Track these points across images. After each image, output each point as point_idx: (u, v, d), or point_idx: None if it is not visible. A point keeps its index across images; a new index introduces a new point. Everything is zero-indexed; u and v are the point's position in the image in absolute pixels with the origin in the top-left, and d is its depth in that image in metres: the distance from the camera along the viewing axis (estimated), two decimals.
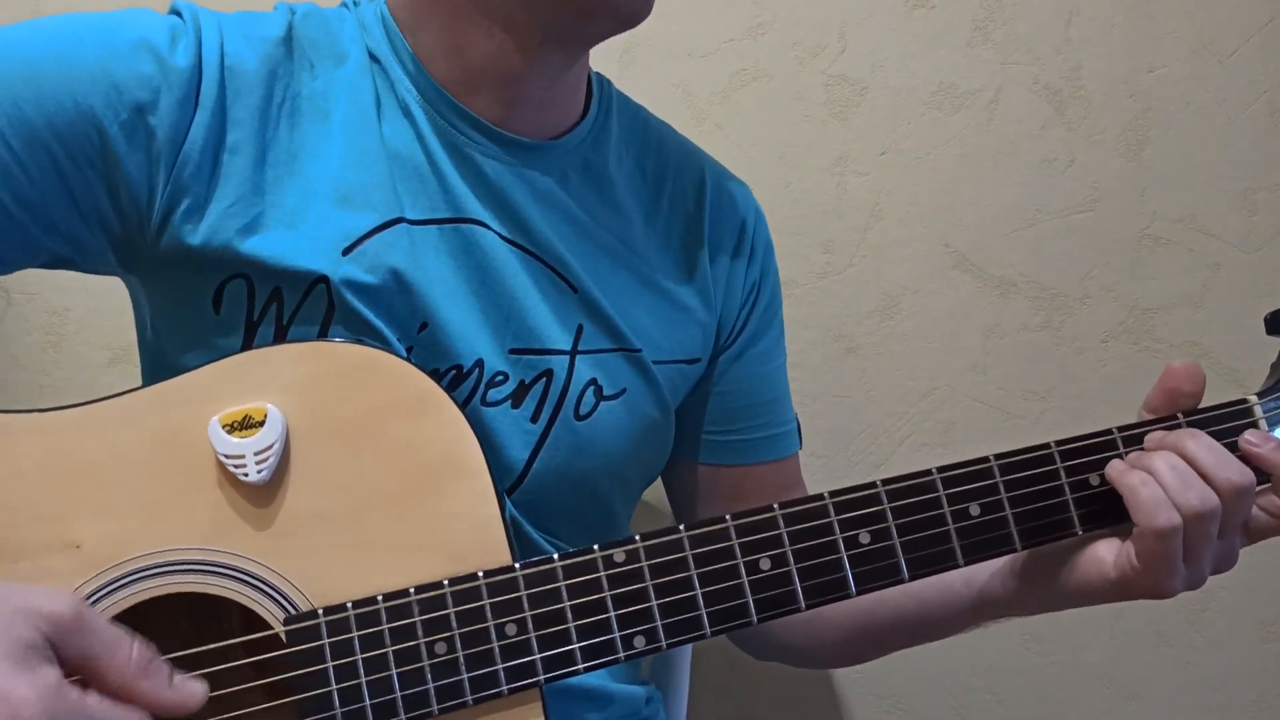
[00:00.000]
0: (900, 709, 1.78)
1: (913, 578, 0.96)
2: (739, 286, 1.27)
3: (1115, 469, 0.98)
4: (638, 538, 0.94)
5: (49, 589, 0.80)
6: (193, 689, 0.84)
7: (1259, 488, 0.97)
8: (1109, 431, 1.00)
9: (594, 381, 1.13)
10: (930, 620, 1.16)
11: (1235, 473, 0.95)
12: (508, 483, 1.10)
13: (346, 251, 1.02)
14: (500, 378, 1.09)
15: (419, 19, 1.09)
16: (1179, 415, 1.00)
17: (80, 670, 0.79)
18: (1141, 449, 0.99)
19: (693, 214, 1.24)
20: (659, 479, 1.35)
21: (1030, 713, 1.77)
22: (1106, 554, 0.99)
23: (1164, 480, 0.94)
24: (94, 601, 0.89)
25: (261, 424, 0.91)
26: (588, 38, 1.10)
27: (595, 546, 0.93)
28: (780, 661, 1.35)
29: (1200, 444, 0.96)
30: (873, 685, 1.78)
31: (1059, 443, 0.99)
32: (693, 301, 1.22)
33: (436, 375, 1.06)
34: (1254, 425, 1.01)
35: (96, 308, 1.68)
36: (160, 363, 1.09)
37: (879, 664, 1.32)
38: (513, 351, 1.10)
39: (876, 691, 1.78)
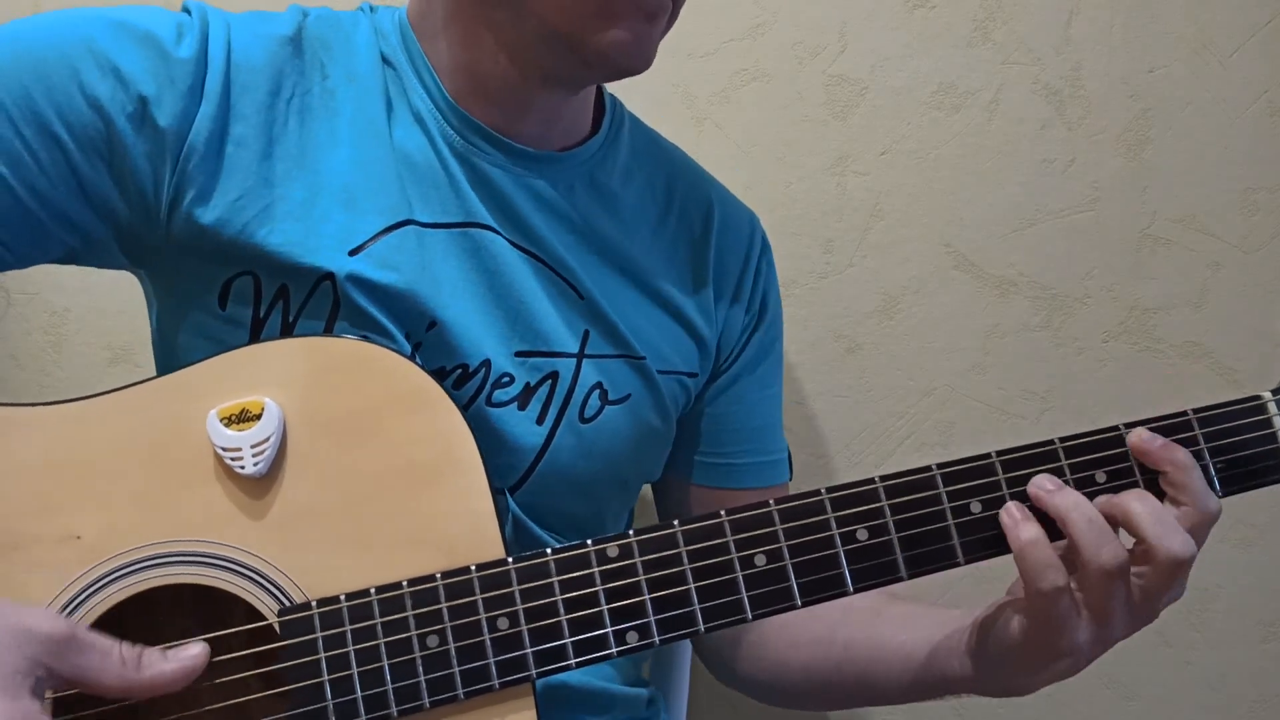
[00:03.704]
0: (900, 709, 1.78)
1: (911, 576, 0.95)
2: (740, 312, 1.28)
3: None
4: (631, 533, 0.93)
5: (41, 610, 0.83)
6: (188, 654, 0.87)
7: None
8: (1116, 428, 0.98)
9: (599, 385, 1.14)
10: (890, 688, 1.14)
11: (1176, 543, 0.91)
12: (511, 482, 1.11)
13: (353, 253, 1.03)
14: (506, 379, 1.09)
15: (435, 30, 1.11)
16: (1188, 411, 0.98)
17: (80, 683, 0.82)
18: (1147, 442, 0.96)
19: (699, 237, 1.25)
20: (653, 498, 1.36)
21: (1030, 713, 1.77)
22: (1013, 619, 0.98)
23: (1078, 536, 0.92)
24: (93, 592, 0.90)
25: (258, 417, 0.92)
26: (586, 82, 1.12)
27: (589, 541, 0.93)
28: (750, 696, 1.33)
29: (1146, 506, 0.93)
30: None
31: (1063, 439, 0.97)
32: (695, 318, 1.22)
33: (442, 374, 1.07)
34: (1267, 423, 0.99)
35: (96, 308, 1.68)
36: (170, 357, 1.10)
37: None
38: (519, 354, 1.10)
39: None
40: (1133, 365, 1.71)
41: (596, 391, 1.14)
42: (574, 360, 1.12)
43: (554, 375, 1.11)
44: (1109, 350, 1.71)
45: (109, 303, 1.67)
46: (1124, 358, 1.71)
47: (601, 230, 1.17)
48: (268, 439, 0.92)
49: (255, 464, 0.91)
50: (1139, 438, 0.96)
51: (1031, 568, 0.92)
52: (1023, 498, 0.96)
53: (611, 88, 1.25)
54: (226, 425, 0.92)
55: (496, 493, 0.97)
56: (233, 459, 0.91)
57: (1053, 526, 0.94)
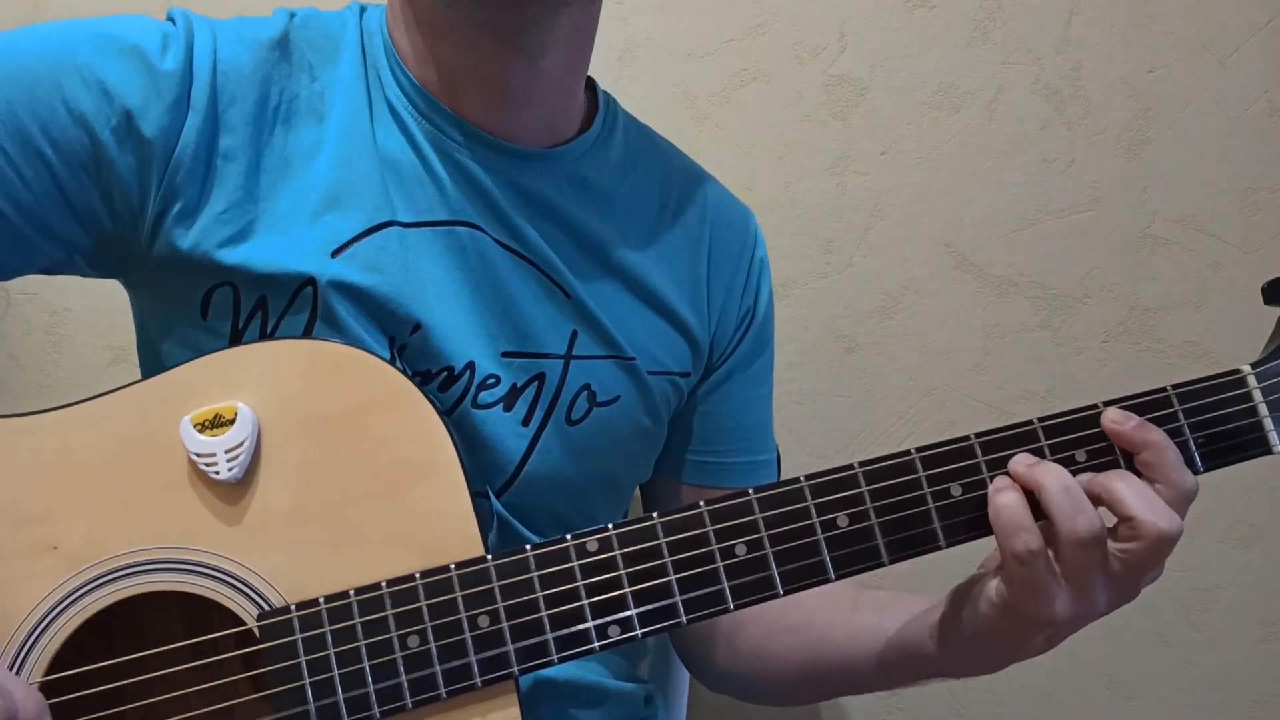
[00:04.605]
0: (900, 709, 1.78)
1: (893, 561, 0.94)
2: (734, 310, 1.27)
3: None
4: (610, 526, 0.93)
5: (23, 682, 0.84)
6: None
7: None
8: (1094, 406, 0.97)
9: (587, 387, 1.13)
10: (865, 670, 1.13)
11: (1164, 519, 0.90)
12: (499, 484, 1.10)
13: (335, 254, 1.02)
14: (492, 380, 1.09)
15: (394, 27, 1.10)
16: (1168, 388, 0.97)
17: None
18: (1120, 422, 0.95)
19: (695, 235, 1.24)
20: (640, 497, 1.36)
21: (1030, 713, 1.76)
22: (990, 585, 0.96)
23: (1052, 503, 0.91)
24: (73, 601, 0.90)
25: (232, 422, 0.92)
26: (520, 24, 1.05)
27: (568, 536, 0.93)
28: (729, 694, 1.33)
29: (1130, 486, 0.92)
30: None
31: (1042, 419, 0.96)
32: (688, 317, 1.21)
33: (427, 377, 1.06)
34: (1247, 396, 0.97)
35: (96, 308, 1.69)
36: (154, 364, 1.09)
37: None
38: (505, 355, 1.10)
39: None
40: (1133, 365, 1.70)
41: (585, 393, 1.13)
42: (561, 361, 1.12)
43: (540, 376, 1.11)
44: (1109, 350, 1.71)
45: (109, 303, 1.67)
46: (1124, 358, 1.71)
47: (591, 229, 1.15)
48: (242, 444, 0.91)
49: (230, 469, 0.91)
50: (1111, 419, 0.95)
51: (1004, 528, 0.91)
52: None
53: (611, 88, 1.24)
54: (200, 431, 0.91)
55: (481, 495, 0.97)
56: (207, 465, 0.91)
57: (1039, 507, 0.92)
